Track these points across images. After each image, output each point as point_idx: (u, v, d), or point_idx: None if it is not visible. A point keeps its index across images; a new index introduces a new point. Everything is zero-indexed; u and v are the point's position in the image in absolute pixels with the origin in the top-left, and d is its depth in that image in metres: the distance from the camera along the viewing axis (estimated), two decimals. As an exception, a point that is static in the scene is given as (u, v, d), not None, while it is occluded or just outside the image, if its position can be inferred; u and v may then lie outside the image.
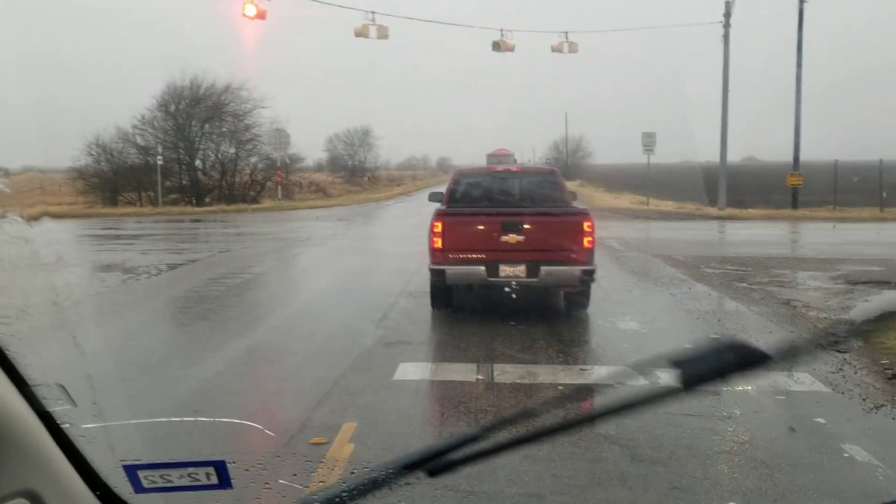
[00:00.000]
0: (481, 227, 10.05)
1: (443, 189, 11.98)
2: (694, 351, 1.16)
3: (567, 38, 26.73)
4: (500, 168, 12.97)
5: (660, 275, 13.77)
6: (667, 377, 1.15)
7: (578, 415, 1.31)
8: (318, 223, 27.12)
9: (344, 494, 1.35)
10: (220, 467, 1.72)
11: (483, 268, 9.72)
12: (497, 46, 25.27)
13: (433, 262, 9.96)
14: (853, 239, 20.31)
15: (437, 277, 9.89)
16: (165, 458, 1.78)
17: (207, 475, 1.71)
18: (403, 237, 21.04)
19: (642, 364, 1.94)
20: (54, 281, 7.66)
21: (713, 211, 31.20)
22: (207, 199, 40.71)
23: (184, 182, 40.48)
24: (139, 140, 39.81)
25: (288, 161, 47.14)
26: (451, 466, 1.32)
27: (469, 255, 9.87)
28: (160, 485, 1.70)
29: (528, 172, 13.04)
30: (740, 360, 1.16)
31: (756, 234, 22.87)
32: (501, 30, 25.33)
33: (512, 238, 9.75)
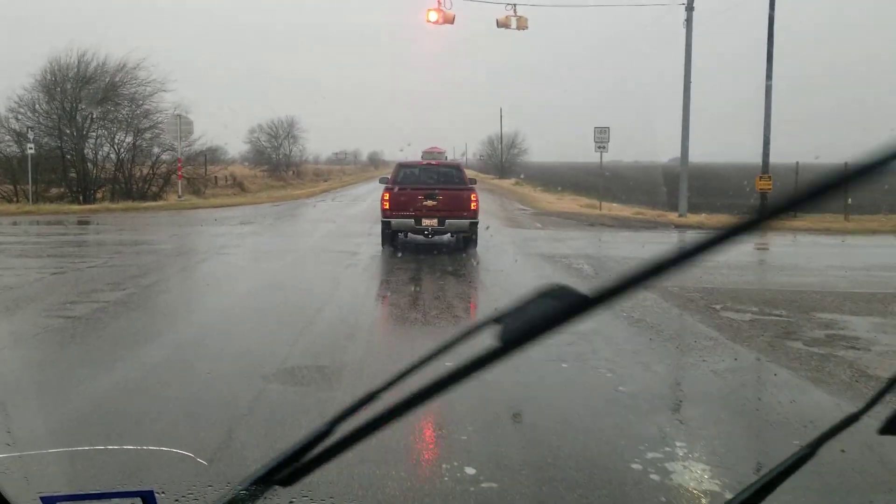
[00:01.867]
0: (411, 196, 16.12)
1: (388, 175, 18.17)
2: (515, 304, 1.03)
3: (515, 10, 22.36)
4: (426, 162, 20.93)
5: (671, 325, 9.46)
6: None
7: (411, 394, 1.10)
8: (214, 228, 22.11)
9: None
10: (148, 498, 1.57)
11: (412, 220, 15.98)
12: (433, 16, 20.72)
13: (383, 217, 16.45)
14: (861, 259, 16.48)
15: (385, 225, 16.46)
16: (88, 489, 1.75)
17: None
18: (310, 252, 16.30)
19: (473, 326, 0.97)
20: None
21: (677, 218, 27.35)
22: (99, 195, 35.13)
23: (70, 175, 34.73)
24: (14, 124, 33.94)
25: (201, 152, 41.85)
26: (303, 472, 1.21)
27: (404, 213, 16.01)
28: None
29: (443, 165, 20.42)
30: (563, 306, 1.01)
31: (741, 250, 18.89)
32: (439, -3, 20.79)
33: (429, 203, 15.91)
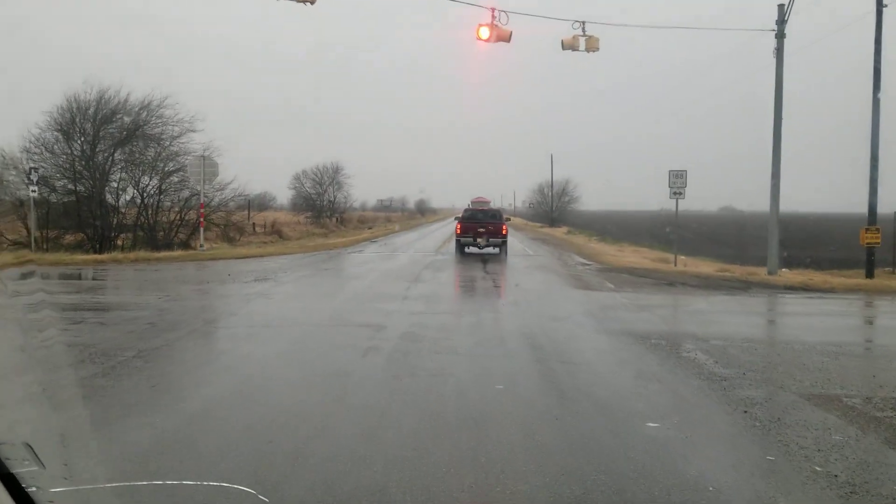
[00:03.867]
0: (472, 226, 30.11)
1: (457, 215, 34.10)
2: None
3: (584, 29, 18.30)
4: (479, 208, 36.45)
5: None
6: None
7: None
8: (219, 288, 18.23)
9: None
10: None
11: (472, 238, 29.72)
12: (485, 33, 16.78)
13: (456, 236, 30.75)
14: None
15: (458, 242, 30.72)
16: None
17: None
18: (323, 326, 12.18)
19: None
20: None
21: (769, 277, 22.71)
22: (120, 243, 31.79)
23: (87, 220, 31.39)
24: (26, 165, 30.78)
25: (234, 197, 38.42)
26: None
27: (467, 234, 29.91)
28: None
29: (489, 210, 35.70)
30: None
31: None
32: (494, 10, 16.85)
33: (481, 230, 29.70)
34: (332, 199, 71.69)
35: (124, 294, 17.34)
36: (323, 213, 68.89)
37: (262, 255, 28.27)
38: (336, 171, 71.53)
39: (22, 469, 1.45)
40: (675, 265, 25.89)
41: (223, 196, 36.13)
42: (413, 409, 7.18)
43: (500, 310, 14.41)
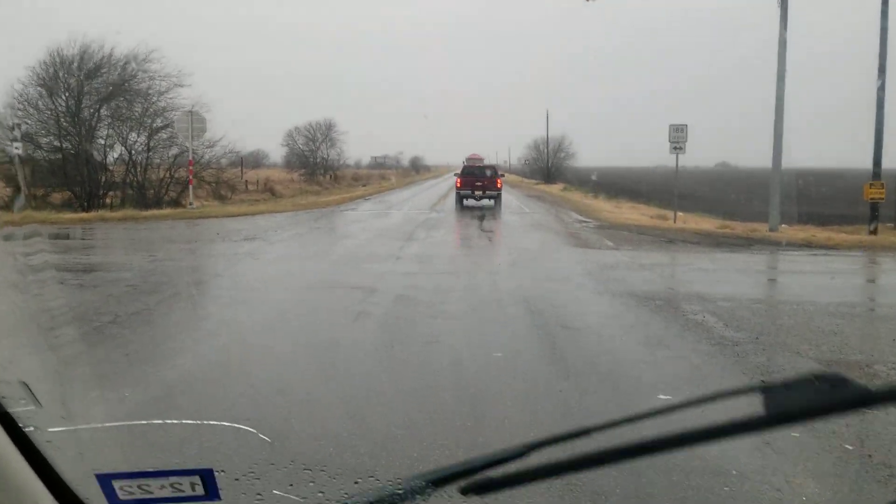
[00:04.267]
0: (470, 180, 32.90)
1: (457, 171, 38.12)
2: (785, 381, 1.09)
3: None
4: (475, 164, 41.35)
5: None
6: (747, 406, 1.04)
7: (636, 443, 1.17)
8: (208, 247, 17.63)
9: None
10: (207, 476, 1.50)
11: (470, 190, 32.55)
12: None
13: (457, 189, 33.32)
14: None
15: (457, 193, 33.26)
16: (144, 467, 1.61)
17: (192, 485, 1.50)
18: (311, 288, 11.59)
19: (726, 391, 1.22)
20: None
21: (771, 233, 22.15)
22: (108, 202, 31.03)
23: (75, 178, 30.57)
24: (10, 121, 29.86)
25: (226, 154, 37.54)
26: (489, 487, 1.20)
27: (465, 188, 32.66)
28: (138, 496, 1.49)
29: (485, 166, 38.53)
30: (840, 396, 1.07)
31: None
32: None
33: (477, 184, 32.65)
34: (325, 156, 70.65)
35: (108, 254, 16.72)
36: (316, 170, 67.93)
37: (252, 214, 27.60)
38: (329, 127, 70.43)
39: (18, 409, 1.41)
40: (675, 222, 25.30)
41: (213, 153, 35.31)
42: (405, 382, 6.62)
43: (497, 270, 13.83)
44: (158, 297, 10.64)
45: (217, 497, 1.53)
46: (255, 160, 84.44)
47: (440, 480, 1.24)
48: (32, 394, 1.52)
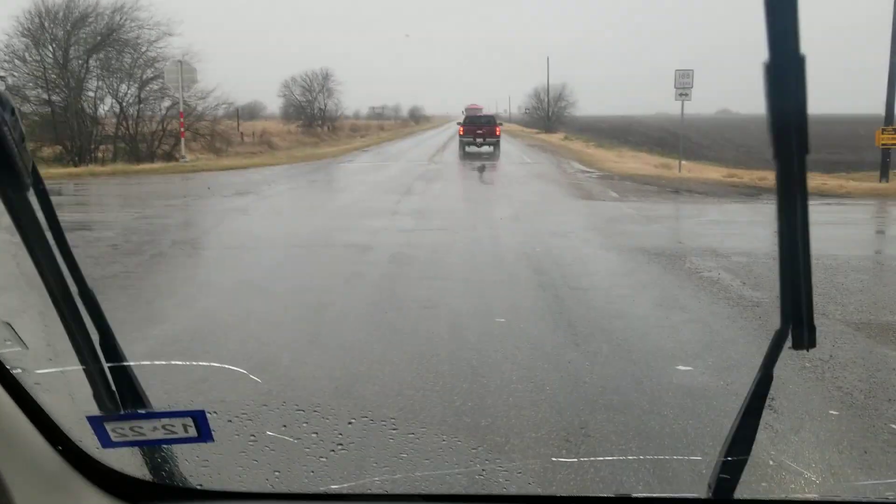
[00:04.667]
0: (471, 128, 35.06)
1: (459, 120, 40.62)
2: None
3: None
4: (475, 114, 40.38)
5: None
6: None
7: None
8: (197, 202, 16.94)
9: None
10: (199, 418, 1.49)
11: (472, 137, 34.76)
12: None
13: (460, 136, 35.67)
14: None
15: (461, 140, 35.35)
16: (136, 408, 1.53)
17: (185, 427, 1.49)
18: (303, 246, 10.94)
19: None
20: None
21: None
22: (100, 156, 30.23)
23: (64, 132, 29.69)
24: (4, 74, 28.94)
25: (220, 105, 36.57)
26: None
27: (467, 135, 34.92)
28: (131, 438, 1.48)
29: (483, 116, 39.05)
30: None
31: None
32: None
33: (479, 131, 34.79)
34: (322, 106, 69.33)
35: (93, 211, 16.05)
36: (314, 121, 66.72)
37: (246, 167, 26.84)
38: (326, 77, 68.89)
39: (4, 350, 1.37)
40: (680, 171, 24.53)
41: (206, 104, 34.38)
42: (399, 352, 6.01)
43: (497, 225, 13.17)
44: (139, 258, 10.00)
45: (210, 438, 1.52)
46: (251, 112, 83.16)
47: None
48: (17, 334, 1.47)
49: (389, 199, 16.64)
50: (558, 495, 1.90)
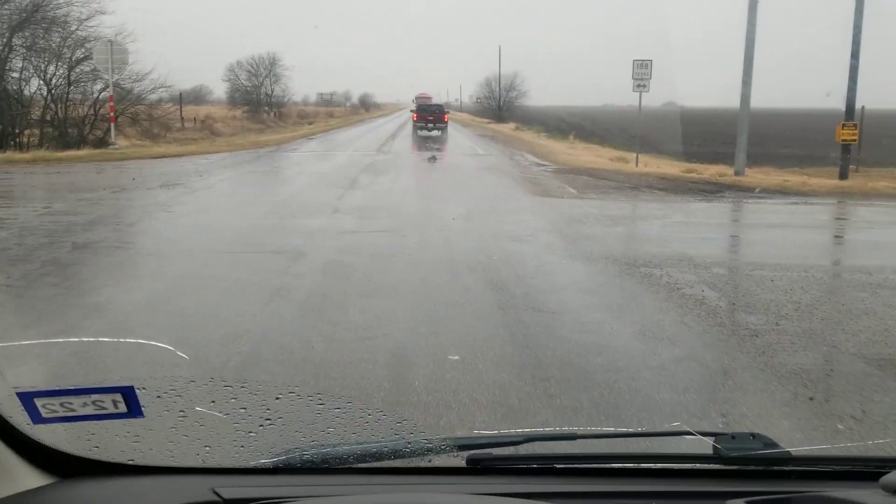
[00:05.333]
0: (423, 115, 43.39)
1: (411, 108, 51.25)
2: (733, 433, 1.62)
3: None
4: (426, 102, 57.30)
5: None
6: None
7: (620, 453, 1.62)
8: (115, 198, 15.19)
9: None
10: (129, 394, 1.52)
11: (423, 123, 42.39)
12: None
13: (413, 121, 44.36)
14: None
15: (414, 124, 43.80)
16: (66, 385, 1.55)
17: (115, 403, 1.52)
18: (220, 253, 9.37)
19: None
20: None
21: (740, 178, 20.45)
22: (26, 141, 27.94)
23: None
24: None
25: (155, 88, 34.39)
26: (488, 463, 1.56)
27: (420, 121, 42.93)
28: (61, 414, 1.50)
29: (435, 104, 51.56)
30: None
31: None
32: None
33: (430, 117, 42.71)
34: (269, 92, 66.90)
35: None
36: (260, 107, 64.32)
37: (181, 155, 24.97)
38: (273, 62, 66.49)
39: None
40: (637, 165, 23.45)
41: (142, 87, 32.26)
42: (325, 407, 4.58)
43: (449, 226, 11.77)
44: (27, 266, 8.35)
45: (140, 414, 1.55)
46: (197, 96, 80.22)
47: (444, 447, 1.56)
48: None
49: (332, 193, 15.11)
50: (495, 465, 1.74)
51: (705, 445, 1.70)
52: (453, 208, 13.64)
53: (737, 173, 21.23)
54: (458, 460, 1.69)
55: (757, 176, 20.80)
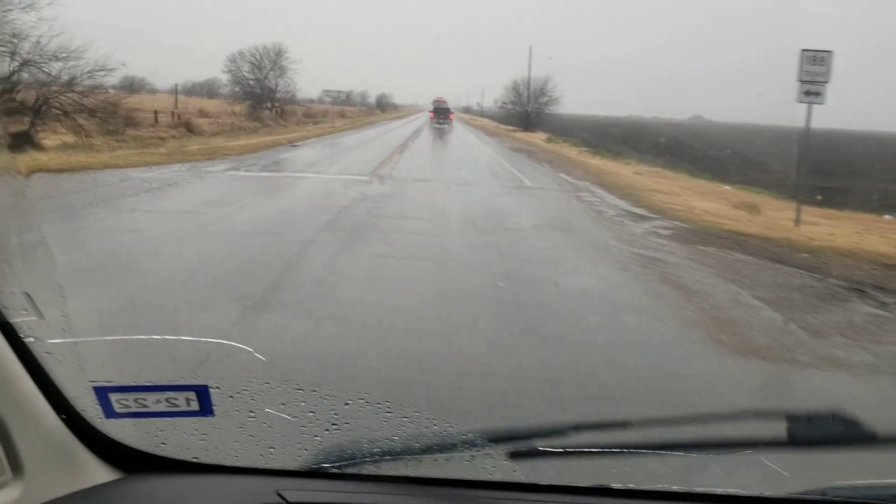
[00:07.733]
0: (434, 113, 68.32)
1: (426, 111, 78.62)
2: (807, 412, 1.22)
3: None
4: (441, 105, 70.29)
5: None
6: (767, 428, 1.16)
7: (671, 441, 1.38)
8: None
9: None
10: (202, 393, 1.49)
11: (436, 119, 66.42)
12: None
13: (430, 120, 67.51)
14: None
15: (430, 121, 67.08)
16: (141, 381, 1.52)
17: (188, 401, 1.49)
18: None
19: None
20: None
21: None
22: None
23: None
24: None
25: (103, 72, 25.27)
26: (533, 455, 1.40)
27: (434, 118, 66.89)
28: (134, 410, 1.47)
29: (445, 107, 69.86)
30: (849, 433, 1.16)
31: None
32: None
33: (440, 115, 67.12)
34: (273, 86, 57.26)
35: None
36: (262, 103, 54.76)
37: (141, 165, 15.24)
38: (278, 53, 56.87)
39: (20, 319, 1.29)
40: (798, 225, 13.62)
41: (67, 70, 23.10)
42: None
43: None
44: None
45: (211, 413, 1.51)
46: (210, 89, 71.87)
47: (490, 439, 1.41)
48: (35, 305, 1.38)
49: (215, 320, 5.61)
50: (542, 483, 1.65)
51: (778, 429, 1.48)
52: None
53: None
54: (519, 475, 1.57)
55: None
